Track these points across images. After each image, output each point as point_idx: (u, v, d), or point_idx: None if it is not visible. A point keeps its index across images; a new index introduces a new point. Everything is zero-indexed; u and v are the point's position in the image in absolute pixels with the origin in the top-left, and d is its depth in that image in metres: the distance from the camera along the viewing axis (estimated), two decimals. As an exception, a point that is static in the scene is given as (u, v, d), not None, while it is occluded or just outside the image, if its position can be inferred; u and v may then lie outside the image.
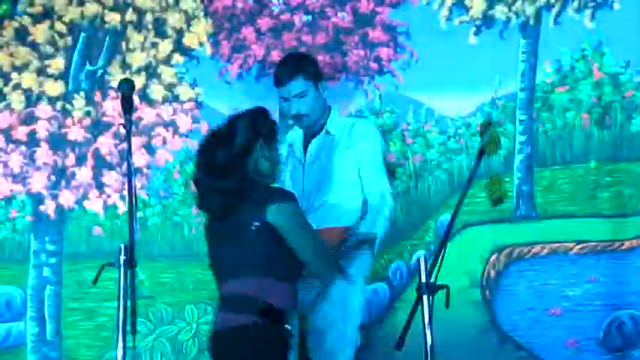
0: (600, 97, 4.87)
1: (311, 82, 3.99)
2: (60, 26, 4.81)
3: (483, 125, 4.24)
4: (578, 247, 4.82)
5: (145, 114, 4.81)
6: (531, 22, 4.87)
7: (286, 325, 3.37)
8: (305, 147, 4.08)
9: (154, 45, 4.84)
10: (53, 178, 4.81)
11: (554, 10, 4.86)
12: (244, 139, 3.36)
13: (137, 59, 4.82)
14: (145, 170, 4.82)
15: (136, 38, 4.83)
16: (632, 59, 4.83)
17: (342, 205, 4.02)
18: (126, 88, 3.53)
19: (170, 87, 4.85)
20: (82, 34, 4.82)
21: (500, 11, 4.88)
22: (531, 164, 4.86)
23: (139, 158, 4.77)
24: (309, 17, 4.87)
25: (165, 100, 4.85)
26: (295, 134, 4.12)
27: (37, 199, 4.81)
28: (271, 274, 3.34)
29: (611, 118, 4.86)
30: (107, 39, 4.82)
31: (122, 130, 3.46)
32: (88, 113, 4.82)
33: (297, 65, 4.03)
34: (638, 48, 4.79)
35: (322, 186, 4.03)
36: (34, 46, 4.81)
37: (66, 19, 4.81)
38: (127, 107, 3.50)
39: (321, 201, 3.99)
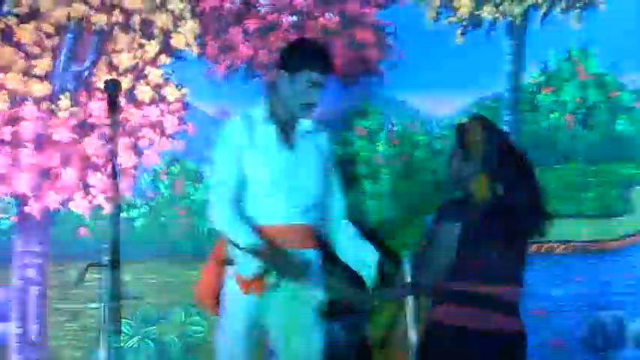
0: (585, 98, 4.90)
1: None
2: (46, 27, 4.79)
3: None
4: (562, 247, 4.84)
5: (132, 115, 4.81)
6: (518, 22, 4.88)
7: None
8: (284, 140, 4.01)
9: (141, 46, 4.83)
10: (38, 179, 4.79)
11: (542, 11, 4.88)
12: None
13: (124, 60, 4.81)
14: (131, 171, 4.81)
15: (122, 39, 4.82)
16: (618, 60, 4.86)
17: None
18: (112, 88, 3.52)
19: (157, 88, 4.84)
20: (69, 35, 4.81)
21: (487, 12, 4.89)
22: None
23: (126, 159, 4.76)
24: (296, 18, 4.87)
25: (152, 101, 4.84)
26: (259, 128, 4.00)
27: (22, 200, 4.80)
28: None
29: (596, 119, 4.89)
30: (94, 40, 4.81)
31: (108, 131, 3.45)
32: (74, 114, 4.81)
33: (332, 57, 4.04)
34: (623, 49, 4.81)
35: (319, 183, 4.04)
36: (19, 46, 4.79)
37: (52, 19, 4.79)
38: (113, 108, 3.49)
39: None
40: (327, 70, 3.93)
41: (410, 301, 3.73)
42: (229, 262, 3.92)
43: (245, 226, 3.87)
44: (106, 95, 3.53)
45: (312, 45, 4.09)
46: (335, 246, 4.10)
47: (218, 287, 3.95)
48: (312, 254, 3.98)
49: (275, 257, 3.83)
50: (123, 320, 4.42)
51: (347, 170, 4.86)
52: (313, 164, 4.02)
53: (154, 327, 4.80)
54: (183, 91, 4.84)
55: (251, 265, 3.83)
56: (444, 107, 4.91)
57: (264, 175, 3.94)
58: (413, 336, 3.64)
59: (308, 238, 3.98)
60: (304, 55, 3.95)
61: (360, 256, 4.03)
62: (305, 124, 4.01)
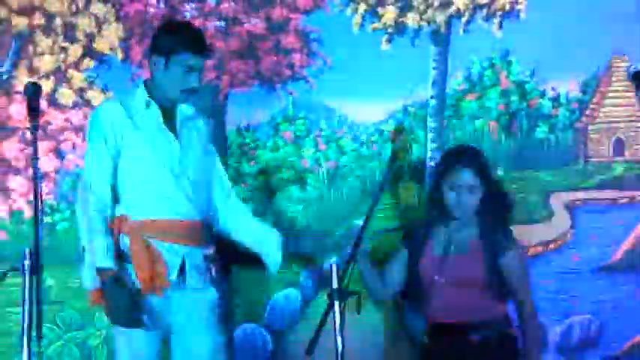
0: (508, 105, 4.98)
1: None
2: (-36, 30, 4.72)
3: (395, 132, 4.31)
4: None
5: (54, 118, 4.74)
6: (442, 30, 4.94)
7: None
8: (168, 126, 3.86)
9: (64, 49, 4.76)
10: (-43, 183, 4.71)
11: (464, 19, 4.94)
12: None
13: (45, 63, 4.74)
14: (53, 175, 4.75)
15: (44, 42, 4.75)
16: (537, 68, 4.95)
17: None
18: (32, 91, 3.47)
19: (80, 91, 4.78)
20: (-13, 38, 4.75)
21: (411, 19, 4.94)
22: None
23: (48, 163, 4.70)
24: (223, 23, 4.86)
25: (75, 105, 4.78)
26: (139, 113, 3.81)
27: (-59, 204, 4.71)
28: None
29: (517, 126, 4.97)
30: (14, 42, 4.74)
31: (28, 134, 3.40)
32: (-7, 117, 4.75)
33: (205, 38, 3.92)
34: (543, 57, 4.90)
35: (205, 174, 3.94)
36: (-64, 50, 4.71)
37: (-30, 22, 4.72)
38: (33, 111, 3.44)
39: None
40: (202, 53, 3.78)
41: (336, 306, 3.73)
42: (123, 257, 3.82)
43: (105, 244, 3.71)
44: (26, 98, 3.47)
45: (184, 27, 3.93)
46: (230, 229, 3.97)
47: None
48: (199, 252, 3.90)
49: (111, 297, 3.69)
50: (45, 325, 4.35)
51: (273, 176, 4.87)
52: (198, 153, 3.90)
53: (78, 332, 4.73)
54: (108, 94, 4.79)
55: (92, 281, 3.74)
56: (371, 113, 4.94)
57: (150, 164, 3.78)
58: (339, 342, 3.63)
59: (194, 235, 3.85)
60: (177, 38, 3.78)
61: (264, 237, 3.93)
62: (184, 110, 3.89)
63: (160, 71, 3.80)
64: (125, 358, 3.80)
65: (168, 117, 3.86)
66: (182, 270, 3.81)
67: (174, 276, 3.79)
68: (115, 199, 3.80)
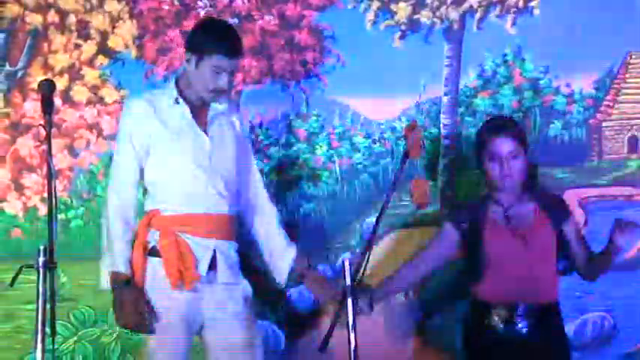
0: (521, 101, 4.97)
1: None
2: (-22, 26, 4.75)
3: (408, 129, 4.31)
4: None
5: (68, 116, 4.77)
6: (455, 27, 4.94)
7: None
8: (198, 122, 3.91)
9: (77, 46, 4.79)
10: (-30, 180, 4.73)
11: (477, 16, 4.94)
12: None
13: (59, 61, 4.77)
14: (67, 172, 4.77)
15: (58, 40, 4.77)
16: (551, 65, 4.93)
17: None
18: (46, 88, 3.49)
19: (94, 89, 4.81)
20: (2, 35, 4.75)
21: (424, 16, 4.94)
22: (455, 168, 4.92)
23: (62, 160, 4.73)
24: (236, 20, 4.86)
25: (89, 102, 4.80)
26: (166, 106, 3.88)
27: (-45, 201, 4.73)
28: None
29: (531, 123, 4.96)
30: (28, 40, 4.76)
31: (42, 132, 3.42)
32: (7, 114, 4.76)
33: (239, 39, 3.96)
34: (557, 54, 4.89)
35: (235, 169, 3.98)
36: (-48, 46, 4.74)
37: (-16, 19, 4.74)
38: (47, 108, 3.46)
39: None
40: (234, 55, 3.82)
41: (349, 303, 3.74)
42: (154, 252, 3.84)
43: (121, 250, 3.78)
44: (40, 96, 3.50)
45: (218, 27, 3.95)
46: (256, 231, 4.06)
47: (142, 278, 3.80)
48: (231, 246, 3.91)
49: (120, 299, 3.75)
50: (59, 322, 4.37)
51: (287, 173, 4.88)
52: (230, 148, 3.94)
53: (91, 329, 4.75)
54: (122, 92, 4.80)
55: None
56: (384, 110, 4.94)
57: (179, 160, 3.83)
58: (352, 339, 3.64)
59: (225, 229, 3.90)
60: (210, 38, 3.83)
61: (278, 247, 4.01)
62: (216, 105, 3.92)
63: (191, 68, 3.83)
64: (154, 353, 3.82)
65: (199, 113, 3.90)
66: (214, 264, 3.83)
67: (204, 270, 3.80)
68: (145, 195, 3.86)
